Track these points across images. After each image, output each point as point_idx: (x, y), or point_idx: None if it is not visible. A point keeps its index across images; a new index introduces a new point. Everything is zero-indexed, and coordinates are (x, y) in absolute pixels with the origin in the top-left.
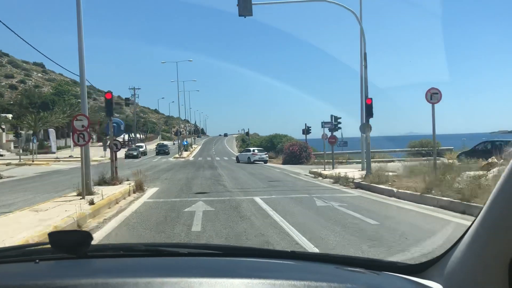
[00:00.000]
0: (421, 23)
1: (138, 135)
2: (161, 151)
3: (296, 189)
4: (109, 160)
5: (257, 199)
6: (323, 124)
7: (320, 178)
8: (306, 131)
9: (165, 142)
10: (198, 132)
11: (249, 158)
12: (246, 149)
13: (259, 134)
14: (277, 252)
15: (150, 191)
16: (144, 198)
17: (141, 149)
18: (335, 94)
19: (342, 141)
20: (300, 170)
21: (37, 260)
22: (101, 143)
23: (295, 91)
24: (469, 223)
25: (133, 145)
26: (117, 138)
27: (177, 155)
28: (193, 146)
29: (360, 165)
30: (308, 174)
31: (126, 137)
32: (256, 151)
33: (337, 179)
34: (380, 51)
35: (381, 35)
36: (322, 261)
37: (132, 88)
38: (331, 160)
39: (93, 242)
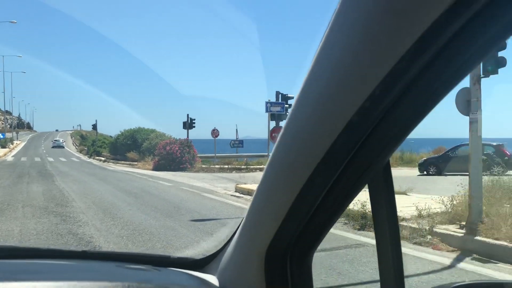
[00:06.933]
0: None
1: None
2: None
3: None
4: None
5: None
6: (269, 106)
7: None
8: (189, 124)
9: None
10: (23, 126)
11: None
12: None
13: (103, 133)
14: (67, 252)
15: None
16: None
17: None
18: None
19: (237, 140)
20: (204, 184)
21: None
22: None
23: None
24: None
25: None
26: None
27: None
28: (14, 142)
29: None
30: (238, 194)
31: None
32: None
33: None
34: None
35: None
36: (108, 259)
37: None
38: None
39: None
